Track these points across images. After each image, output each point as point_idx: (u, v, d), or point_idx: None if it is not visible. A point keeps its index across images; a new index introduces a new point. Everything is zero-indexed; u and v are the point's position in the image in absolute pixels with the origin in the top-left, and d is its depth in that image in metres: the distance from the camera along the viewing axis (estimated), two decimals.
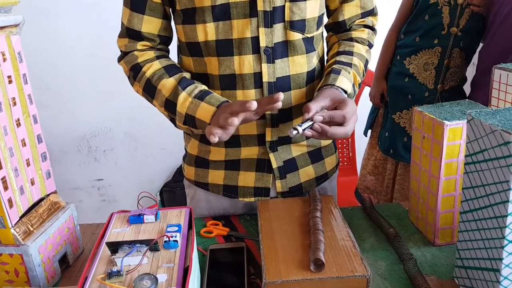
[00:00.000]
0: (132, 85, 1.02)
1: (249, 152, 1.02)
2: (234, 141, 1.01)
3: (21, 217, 0.80)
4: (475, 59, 1.63)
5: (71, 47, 2.36)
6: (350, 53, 1.02)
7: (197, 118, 0.91)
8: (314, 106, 0.85)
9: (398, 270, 0.84)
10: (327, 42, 1.14)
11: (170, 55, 1.06)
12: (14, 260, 0.79)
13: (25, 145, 0.81)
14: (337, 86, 0.94)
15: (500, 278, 0.68)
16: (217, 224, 1.03)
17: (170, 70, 0.97)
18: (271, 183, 1.04)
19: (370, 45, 1.09)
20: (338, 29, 1.08)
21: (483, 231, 0.71)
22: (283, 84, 0.97)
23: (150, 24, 0.97)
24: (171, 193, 2.51)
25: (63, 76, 2.39)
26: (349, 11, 1.04)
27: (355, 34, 1.06)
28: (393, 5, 1.81)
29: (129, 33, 0.98)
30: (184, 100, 0.92)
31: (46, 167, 0.88)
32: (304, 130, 0.82)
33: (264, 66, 0.94)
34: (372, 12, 1.08)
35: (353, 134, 2.34)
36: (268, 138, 1.00)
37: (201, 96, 0.92)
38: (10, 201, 0.77)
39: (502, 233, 0.66)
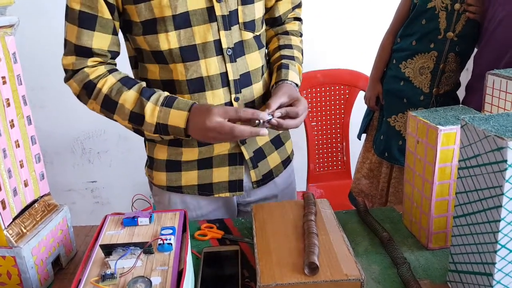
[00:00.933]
0: (86, 103, 1.01)
1: (222, 148, 1.07)
2: None
3: (14, 219, 0.80)
4: (469, 64, 1.64)
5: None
6: (290, 46, 1.14)
7: (169, 125, 0.94)
8: (274, 104, 0.95)
9: (392, 274, 0.84)
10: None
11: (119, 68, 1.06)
12: (7, 262, 0.79)
13: (19, 147, 0.81)
14: (290, 81, 1.06)
15: (493, 282, 0.68)
16: (211, 227, 1.03)
17: (127, 82, 0.97)
18: (244, 174, 1.10)
19: (301, 35, 1.22)
20: (274, 23, 1.18)
21: (476, 235, 0.71)
22: (245, 80, 1.04)
23: (100, 40, 0.96)
24: None
25: (57, 77, 2.37)
26: (283, 7, 1.16)
27: (289, 27, 1.19)
28: (389, 9, 1.82)
29: (78, 51, 0.96)
30: (152, 111, 0.94)
31: (40, 169, 0.87)
32: (263, 122, 0.93)
33: (229, 65, 1.01)
34: (299, 5, 1.21)
35: (347, 138, 2.35)
36: None
37: (168, 103, 0.95)
38: (3, 202, 0.76)
39: (495, 237, 0.66)
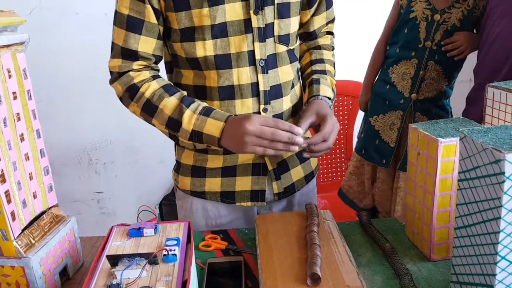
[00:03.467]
0: (128, 106, 1.04)
1: (246, 156, 1.08)
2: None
3: (23, 230, 0.82)
4: (466, 76, 1.68)
5: (73, 60, 2.39)
6: (322, 61, 1.17)
7: (204, 133, 0.96)
8: (303, 125, 0.98)
9: (394, 285, 0.85)
10: None
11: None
12: (16, 273, 0.81)
13: (28, 159, 0.83)
14: (322, 96, 1.08)
15: None
16: (215, 238, 1.04)
17: (169, 89, 1.00)
18: (266, 185, 1.11)
19: (333, 48, 1.24)
20: (308, 37, 1.20)
21: (476, 247, 0.72)
22: (275, 92, 1.06)
23: (146, 44, 0.99)
24: (170, 206, 2.51)
25: (64, 89, 2.42)
26: (318, 22, 1.17)
27: (321, 41, 1.21)
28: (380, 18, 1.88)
29: (124, 53, 0.99)
30: (189, 118, 0.97)
31: (48, 181, 0.90)
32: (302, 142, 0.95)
33: (260, 76, 1.02)
34: (333, 20, 1.23)
35: (351, 148, 2.37)
36: None
37: (205, 113, 0.97)
38: (13, 214, 0.78)
39: (494, 249, 0.67)
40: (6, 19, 0.75)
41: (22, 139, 0.78)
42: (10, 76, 0.77)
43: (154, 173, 2.62)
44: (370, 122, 1.85)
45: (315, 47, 1.20)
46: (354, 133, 2.34)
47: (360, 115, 2.24)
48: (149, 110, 1.00)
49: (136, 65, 1.01)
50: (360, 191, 1.98)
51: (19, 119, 0.78)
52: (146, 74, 1.01)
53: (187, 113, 0.97)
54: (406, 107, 1.73)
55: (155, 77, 1.02)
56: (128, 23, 0.97)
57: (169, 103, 0.98)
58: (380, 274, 0.88)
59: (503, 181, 0.63)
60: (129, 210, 2.52)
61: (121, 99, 1.04)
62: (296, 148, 0.93)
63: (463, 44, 1.60)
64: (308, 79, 1.15)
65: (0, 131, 0.73)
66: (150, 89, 0.99)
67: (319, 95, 1.08)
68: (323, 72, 1.15)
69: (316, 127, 1.04)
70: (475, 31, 1.66)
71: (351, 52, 2.59)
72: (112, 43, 1.01)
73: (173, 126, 0.99)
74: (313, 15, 1.16)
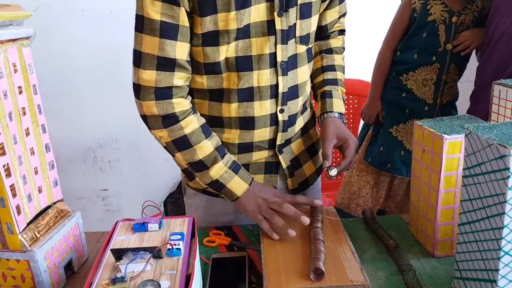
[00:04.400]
0: (154, 128, 0.98)
1: (259, 156, 1.08)
2: (248, 147, 1.06)
3: (28, 224, 0.82)
4: (471, 76, 1.67)
5: (80, 58, 2.40)
6: (333, 68, 1.17)
7: (227, 187, 1.00)
8: (328, 151, 1.04)
9: (398, 281, 0.85)
10: None
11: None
12: (21, 266, 0.81)
13: (33, 154, 0.84)
14: (335, 112, 1.11)
15: None
16: (219, 234, 1.04)
17: (206, 129, 0.99)
18: (278, 183, 1.12)
19: (344, 49, 1.24)
20: (319, 33, 1.16)
21: (480, 242, 0.72)
22: (292, 93, 1.05)
23: (182, 50, 0.93)
24: (175, 204, 2.52)
25: (70, 86, 2.43)
26: (330, 16, 1.15)
27: (333, 43, 1.19)
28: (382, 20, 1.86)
29: (161, 63, 0.91)
30: (219, 169, 0.99)
31: (54, 176, 0.90)
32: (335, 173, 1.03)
33: (280, 78, 1.01)
34: (344, 14, 1.20)
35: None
36: (278, 142, 1.07)
37: (234, 168, 1.00)
38: (18, 208, 0.79)
39: (498, 244, 0.67)
40: (12, 13, 0.75)
41: (27, 134, 0.79)
42: (16, 71, 0.77)
43: (159, 170, 2.62)
44: (391, 134, 1.78)
45: (327, 50, 1.19)
46: (358, 133, 2.34)
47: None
48: (180, 145, 0.98)
49: (176, 78, 0.94)
50: (366, 204, 1.91)
51: (24, 113, 0.78)
52: (187, 104, 0.97)
53: (219, 164, 0.98)
54: (433, 113, 1.69)
55: (194, 109, 1.00)
56: (162, 29, 0.89)
57: (205, 147, 0.97)
58: (383, 270, 0.88)
59: (508, 177, 0.63)
60: (134, 207, 2.53)
61: (147, 117, 0.97)
62: (307, 220, 0.93)
63: (468, 39, 1.59)
64: (320, 89, 1.15)
65: (6, 125, 0.74)
66: (191, 126, 0.97)
67: (332, 111, 1.11)
68: (335, 82, 1.15)
69: (338, 148, 1.09)
70: None
71: (357, 51, 2.58)
72: (140, 52, 0.92)
73: (198, 167, 1.00)
74: (326, 8, 1.13)
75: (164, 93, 0.94)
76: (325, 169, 1.02)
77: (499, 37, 1.43)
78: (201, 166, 0.99)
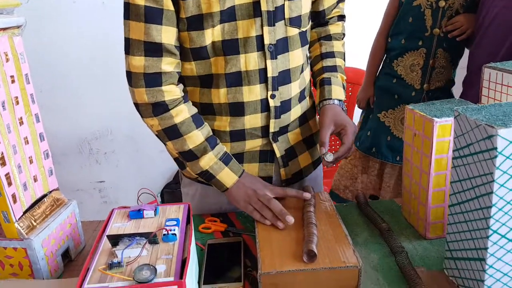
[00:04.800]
0: (146, 117, 0.99)
1: (253, 144, 1.07)
2: (240, 135, 1.05)
3: (24, 213, 0.83)
4: (465, 62, 1.66)
5: (73, 50, 2.39)
6: (332, 54, 1.15)
7: (217, 178, 1.00)
8: (325, 138, 1.02)
9: (390, 263, 0.86)
10: None
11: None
12: (18, 254, 0.82)
13: (27, 143, 0.84)
14: (334, 99, 1.09)
15: (486, 266, 0.70)
16: (215, 221, 1.06)
17: (197, 119, 0.99)
18: (273, 171, 1.11)
19: (344, 35, 1.21)
20: (317, 19, 1.16)
21: (470, 222, 0.73)
22: (284, 77, 1.03)
23: (168, 34, 0.93)
24: (172, 194, 2.53)
25: (64, 78, 2.42)
26: (328, 1, 1.13)
27: (332, 29, 1.17)
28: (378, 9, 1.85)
29: (148, 49, 0.92)
30: (209, 160, 0.99)
31: (49, 165, 0.91)
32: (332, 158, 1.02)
33: (269, 62, 0.99)
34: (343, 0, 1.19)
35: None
36: (271, 129, 1.06)
37: (225, 160, 1.00)
38: (14, 196, 0.79)
39: (487, 223, 0.68)
40: (2, 1, 0.75)
41: (21, 123, 0.79)
42: (7, 60, 0.77)
43: (154, 162, 2.63)
44: (378, 119, 1.80)
45: (326, 37, 1.17)
46: (354, 120, 2.35)
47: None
48: (171, 134, 0.99)
49: (164, 64, 0.94)
50: (355, 189, 1.94)
51: (17, 103, 0.78)
52: (177, 92, 0.98)
53: (209, 155, 0.99)
54: (419, 99, 1.69)
55: (185, 98, 1.00)
56: (146, 14, 0.90)
57: (196, 137, 0.98)
58: (376, 253, 0.90)
59: (495, 156, 0.64)
60: (131, 199, 2.53)
61: (139, 105, 0.98)
62: (292, 219, 0.92)
63: (464, 24, 1.57)
64: (319, 77, 1.14)
65: (0, 115, 0.74)
66: (181, 115, 0.97)
67: (331, 98, 1.09)
68: (334, 68, 1.13)
69: (336, 134, 1.07)
70: None
71: (351, 38, 2.58)
72: (128, 39, 0.93)
73: (188, 157, 1.00)
74: None
75: (154, 79, 0.94)
76: (322, 155, 1.01)
77: (491, 21, 1.44)
78: (191, 156, 1.00)
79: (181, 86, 1.00)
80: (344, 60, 1.19)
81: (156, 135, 1.02)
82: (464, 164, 0.73)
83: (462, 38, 1.61)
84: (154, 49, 0.93)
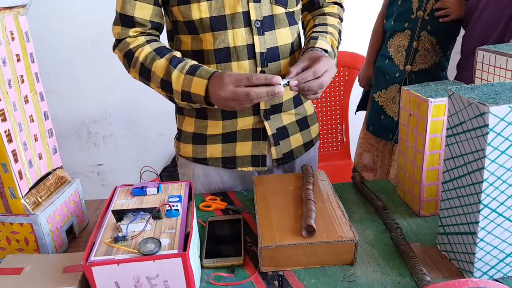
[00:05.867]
0: (128, 72, 1.07)
1: (245, 122, 1.10)
2: (231, 113, 1.08)
3: (30, 189, 0.85)
4: (458, 48, 1.69)
5: (71, 33, 2.39)
6: (325, 25, 1.14)
7: (192, 93, 0.98)
8: (295, 69, 0.95)
9: (385, 238, 0.89)
10: (302, 22, 1.24)
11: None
12: (24, 229, 0.84)
13: (33, 121, 0.86)
14: (317, 47, 1.05)
15: (477, 240, 0.73)
16: (215, 199, 1.08)
17: (161, 51, 1.02)
18: (267, 150, 1.13)
19: (341, 19, 1.21)
20: (312, 7, 1.19)
21: (461, 198, 0.76)
22: (272, 54, 1.06)
23: (142, 10, 1.02)
24: (170, 177, 2.56)
25: (63, 61, 2.43)
26: None
27: (327, 9, 1.20)
28: None
29: (122, 20, 1.03)
30: (177, 78, 0.99)
31: (53, 143, 0.93)
32: (284, 85, 0.92)
33: (256, 37, 1.03)
34: None
35: (346, 119, 2.40)
36: (262, 106, 1.09)
37: (192, 71, 0.98)
38: (20, 173, 0.82)
39: (478, 198, 0.71)
40: None
41: (26, 101, 0.81)
42: (13, 39, 0.78)
43: (153, 145, 2.65)
44: (374, 98, 1.86)
45: (320, 14, 1.18)
46: (350, 103, 2.37)
47: (357, 86, 2.27)
48: (144, 75, 1.03)
49: (132, 31, 1.04)
50: (371, 166, 2.01)
51: (23, 81, 0.80)
52: (142, 39, 1.04)
53: (175, 73, 0.99)
54: (401, 79, 1.74)
55: (150, 41, 1.04)
56: None
57: (160, 64, 1.00)
58: (372, 229, 0.93)
59: (487, 133, 0.67)
60: (129, 182, 2.56)
61: (124, 65, 1.08)
62: (281, 94, 0.90)
63: (450, 7, 1.60)
64: (307, 39, 1.13)
65: (6, 92, 0.76)
66: (143, 53, 1.02)
67: (314, 47, 1.05)
68: (324, 32, 1.11)
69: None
70: None
71: (348, 23, 2.59)
72: (115, 10, 1.05)
73: (165, 87, 1.01)
74: None
75: (123, 41, 1.05)
76: (282, 84, 0.91)
77: (484, 5, 1.46)
78: (167, 85, 1.01)
79: (149, 37, 1.06)
80: (340, 36, 1.17)
81: (145, 84, 1.07)
82: (457, 142, 0.75)
83: (444, 20, 1.62)
84: (127, 21, 1.03)
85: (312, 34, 1.10)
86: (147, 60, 1.02)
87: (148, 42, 1.04)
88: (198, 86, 0.96)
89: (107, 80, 2.44)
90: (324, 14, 1.18)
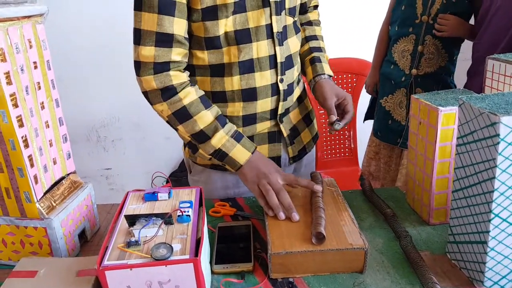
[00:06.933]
0: (155, 103, 1.02)
1: (263, 127, 1.14)
2: (252, 119, 1.11)
3: (44, 193, 0.86)
4: (468, 54, 1.69)
5: (81, 38, 2.42)
6: (316, 37, 1.26)
7: (230, 156, 1.02)
8: (332, 108, 1.11)
9: (395, 246, 0.90)
10: None
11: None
12: (38, 233, 0.86)
13: (48, 127, 0.87)
14: (327, 75, 1.19)
15: (487, 249, 0.73)
16: (224, 205, 1.09)
17: (205, 101, 1.03)
18: (281, 151, 1.18)
19: (320, 22, 1.33)
20: (300, 9, 1.25)
21: (472, 207, 0.76)
22: (288, 62, 1.12)
23: (179, 26, 0.97)
24: (178, 182, 2.57)
25: (73, 67, 2.45)
26: None
27: (311, 16, 1.29)
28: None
29: (159, 39, 0.95)
30: (221, 137, 1.02)
31: (67, 148, 0.94)
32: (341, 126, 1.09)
33: (277, 48, 1.07)
34: None
35: (354, 126, 2.40)
36: (280, 111, 1.13)
37: (237, 137, 1.03)
38: (35, 177, 0.83)
39: (489, 207, 0.71)
40: None
41: (42, 107, 0.82)
42: (31, 47, 0.80)
43: (160, 149, 2.67)
44: (381, 104, 1.88)
45: (307, 23, 1.28)
46: (358, 110, 2.37)
47: (365, 93, 2.27)
48: (180, 116, 1.01)
49: (174, 54, 0.98)
50: (377, 174, 2.02)
51: (39, 88, 0.82)
52: (184, 76, 1.01)
53: (221, 133, 1.01)
54: (408, 84, 1.76)
55: (192, 84, 1.03)
56: (160, 6, 0.93)
57: (205, 117, 1.01)
58: (381, 237, 0.93)
59: (498, 143, 0.67)
60: (137, 186, 2.57)
61: (147, 93, 1.01)
62: (297, 217, 0.91)
63: (447, 25, 1.63)
64: (307, 57, 1.23)
65: (23, 99, 0.77)
66: (189, 97, 1.00)
67: (324, 73, 1.19)
68: (320, 49, 1.24)
69: (337, 106, 1.14)
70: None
71: (355, 29, 2.60)
72: (139, 30, 0.95)
73: (200, 138, 1.03)
74: None
75: (162, 67, 0.98)
76: (331, 123, 1.08)
77: (494, 12, 1.47)
78: (203, 136, 1.02)
79: (187, 72, 1.04)
80: (324, 44, 1.30)
81: (167, 121, 1.05)
82: (467, 151, 0.76)
83: (440, 35, 1.66)
84: (166, 40, 0.96)
85: (314, 55, 1.22)
86: (192, 106, 1.00)
87: (191, 83, 1.03)
88: (240, 154, 1.02)
89: (116, 85, 2.47)
90: (311, 23, 1.28)
